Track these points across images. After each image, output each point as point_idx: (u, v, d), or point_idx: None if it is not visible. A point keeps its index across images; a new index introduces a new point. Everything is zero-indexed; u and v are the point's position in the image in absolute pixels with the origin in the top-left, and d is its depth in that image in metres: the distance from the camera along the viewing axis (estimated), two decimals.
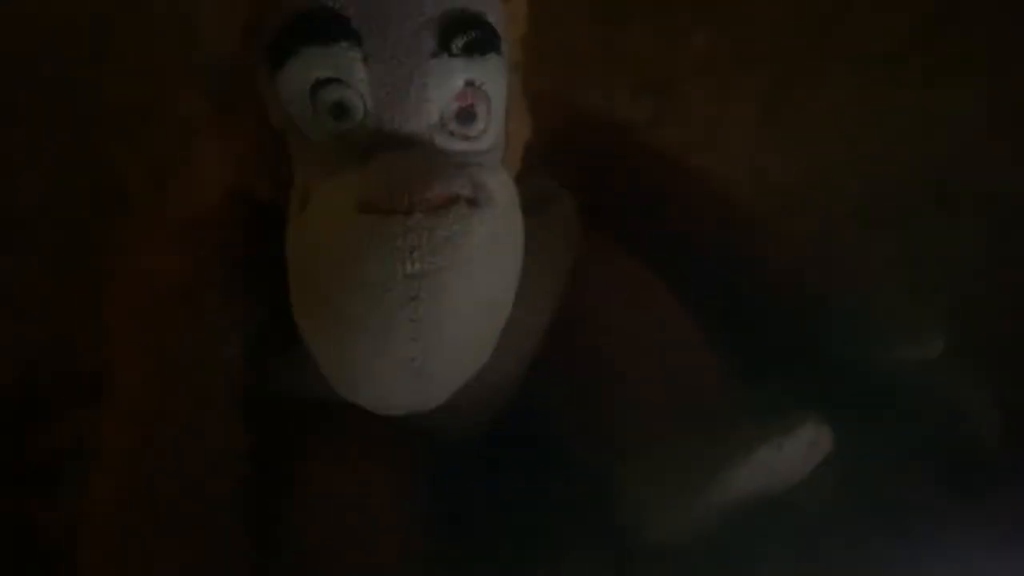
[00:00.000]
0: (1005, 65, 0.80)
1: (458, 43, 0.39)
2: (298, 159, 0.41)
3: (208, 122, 0.45)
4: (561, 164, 0.51)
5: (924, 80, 0.80)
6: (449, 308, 0.36)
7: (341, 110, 0.39)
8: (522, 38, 0.45)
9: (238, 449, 0.43)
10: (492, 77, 0.41)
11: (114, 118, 0.75)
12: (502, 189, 0.38)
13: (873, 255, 0.68)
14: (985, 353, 0.56)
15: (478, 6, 0.40)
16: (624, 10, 0.83)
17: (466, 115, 0.40)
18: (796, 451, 0.41)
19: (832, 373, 0.49)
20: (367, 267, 0.36)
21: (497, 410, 0.50)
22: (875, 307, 0.51)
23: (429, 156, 0.39)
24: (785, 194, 0.76)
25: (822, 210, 0.75)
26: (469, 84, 0.40)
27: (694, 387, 0.47)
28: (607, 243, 0.52)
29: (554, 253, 0.48)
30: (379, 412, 0.40)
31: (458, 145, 0.40)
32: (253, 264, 0.44)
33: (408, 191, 0.36)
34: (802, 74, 0.82)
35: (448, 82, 0.40)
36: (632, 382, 0.47)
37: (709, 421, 0.44)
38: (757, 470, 0.41)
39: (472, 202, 0.36)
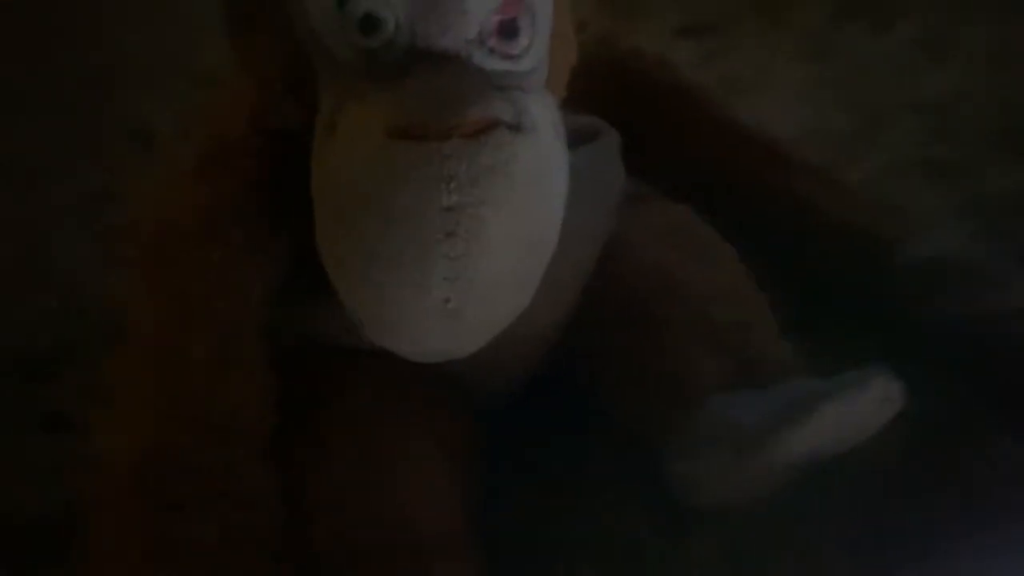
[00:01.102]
0: None
1: None
2: (325, 82, 0.38)
3: (232, 46, 0.42)
4: (603, 102, 0.48)
5: (989, 17, 0.76)
6: (489, 245, 0.33)
7: (370, 23, 0.36)
8: None
9: (264, 396, 0.40)
10: None
11: (139, 69, 0.73)
12: (546, 116, 0.35)
13: (936, 203, 0.65)
14: None
15: None
16: None
17: (508, 29, 0.37)
18: (867, 407, 0.38)
19: (902, 323, 0.46)
20: (399, 199, 0.33)
21: (537, 363, 0.47)
22: (952, 253, 0.48)
23: (466, 75, 0.36)
24: (837, 140, 0.73)
25: (877, 157, 0.71)
26: None
27: (749, 339, 0.44)
28: (651, 184, 0.49)
29: (600, 191, 0.45)
30: (410, 358, 0.37)
31: (499, 64, 0.37)
32: (279, 199, 0.41)
33: (443, 114, 0.33)
34: (857, 10, 0.78)
35: None
36: (682, 334, 0.44)
37: (768, 375, 0.41)
38: (822, 428, 0.38)
39: (515, 128, 0.33)
